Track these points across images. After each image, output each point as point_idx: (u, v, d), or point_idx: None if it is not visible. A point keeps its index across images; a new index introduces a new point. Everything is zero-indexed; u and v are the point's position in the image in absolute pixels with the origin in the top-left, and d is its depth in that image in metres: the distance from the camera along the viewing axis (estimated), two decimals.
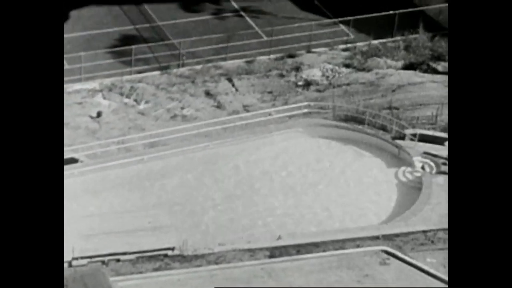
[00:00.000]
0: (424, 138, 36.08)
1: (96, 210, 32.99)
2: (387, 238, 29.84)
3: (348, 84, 41.95)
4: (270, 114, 38.53)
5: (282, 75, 43.08)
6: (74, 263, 27.93)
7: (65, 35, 41.06)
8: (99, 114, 39.19)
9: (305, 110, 38.47)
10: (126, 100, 40.46)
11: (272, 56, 44.74)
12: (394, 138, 36.57)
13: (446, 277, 27.75)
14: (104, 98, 40.60)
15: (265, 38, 45.84)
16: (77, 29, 45.58)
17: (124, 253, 28.60)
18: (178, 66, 43.38)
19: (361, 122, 37.39)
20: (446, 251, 28.97)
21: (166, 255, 28.74)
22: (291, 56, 44.76)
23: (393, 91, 41.00)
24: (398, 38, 46.20)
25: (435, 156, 35.14)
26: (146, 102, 40.39)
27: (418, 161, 35.12)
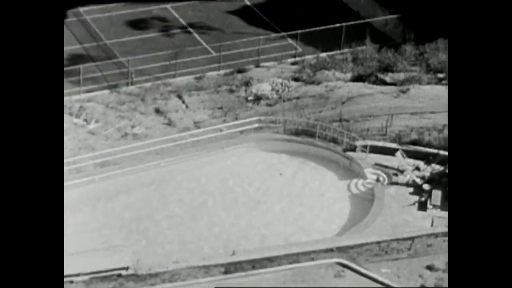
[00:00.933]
0: (375, 149, 36.31)
1: None
2: (341, 250, 29.90)
3: (298, 98, 42.07)
4: (221, 130, 38.47)
5: (232, 91, 43.08)
6: None
7: None
8: None
9: (256, 125, 38.50)
10: (75, 120, 40.13)
11: (221, 71, 44.73)
12: (345, 150, 36.74)
13: (400, 286, 27.92)
14: None
15: (214, 54, 45.82)
16: None
17: (78, 274, 28.30)
18: (127, 84, 43.15)
19: (312, 135, 37.51)
20: (400, 261, 29.15)
21: (120, 275, 28.50)
22: (240, 71, 44.80)
23: (343, 103, 41.20)
24: (346, 50, 46.48)
25: (386, 167, 35.37)
26: (96, 121, 40.10)
27: (369, 172, 35.31)
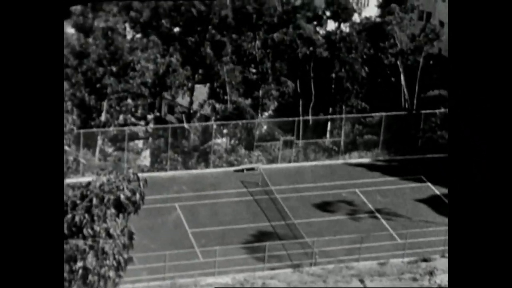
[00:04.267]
0: None
1: None
2: None
3: None
4: None
5: (415, 279, 42.58)
6: None
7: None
8: None
9: None
10: None
11: (406, 259, 44.43)
12: None
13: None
14: None
15: (399, 241, 45.71)
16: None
17: None
18: (311, 264, 43.59)
19: None
20: None
21: None
22: (425, 260, 44.33)
23: None
24: None
25: None
26: None
27: None
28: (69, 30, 61.24)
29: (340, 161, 55.52)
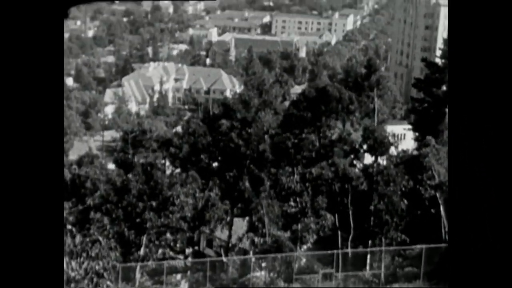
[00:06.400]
0: None
1: None
2: None
3: None
4: None
5: None
6: None
7: None
8: None
9: None
10: None
11: None
12: None
13: None
14: None
15: None
16: None
17: None
18: None
19: None
20: None
21: None
22: None
23: None
24: None
25: None
26: None
27: None
28: (110, 165, 62.34)
29: None
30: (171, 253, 64.53)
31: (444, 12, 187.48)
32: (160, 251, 61.80)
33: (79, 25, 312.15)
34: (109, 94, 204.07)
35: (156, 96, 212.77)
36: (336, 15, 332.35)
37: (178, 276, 63.86)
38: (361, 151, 68.14)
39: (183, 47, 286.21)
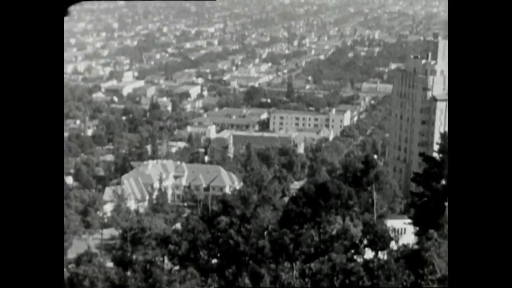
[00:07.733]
0: None
1: None
2: None
3: None
4: None
5: None
6: None
7: None
8: None
9: None
10: None
11: None
12: None
13: None
14: None
15: None
16: None
17: None
18: None
19: None
20: None
21: None
22: None
23: None
24: None
25: None
26: None
27: None
28: (109, 263, 61.99)
29: None
30: None
31: (440, 107, 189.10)
32: None
33: (78, 124, 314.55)
34: (108, 192, 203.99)
35: (156, 193, 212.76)
36: (333, 111, 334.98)
37: None
38: (361, 246, 67.82)
39: (182, 144, 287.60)
